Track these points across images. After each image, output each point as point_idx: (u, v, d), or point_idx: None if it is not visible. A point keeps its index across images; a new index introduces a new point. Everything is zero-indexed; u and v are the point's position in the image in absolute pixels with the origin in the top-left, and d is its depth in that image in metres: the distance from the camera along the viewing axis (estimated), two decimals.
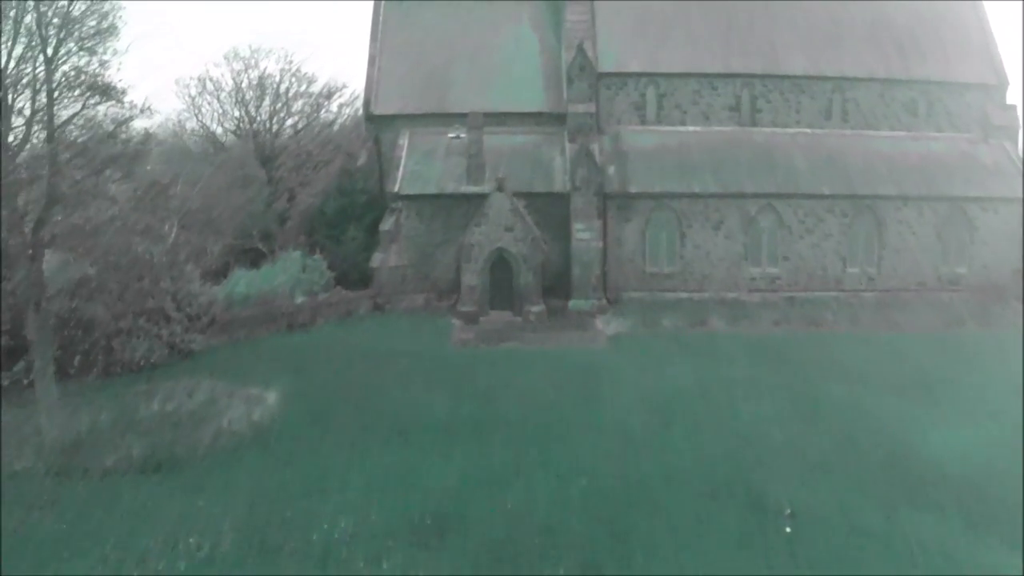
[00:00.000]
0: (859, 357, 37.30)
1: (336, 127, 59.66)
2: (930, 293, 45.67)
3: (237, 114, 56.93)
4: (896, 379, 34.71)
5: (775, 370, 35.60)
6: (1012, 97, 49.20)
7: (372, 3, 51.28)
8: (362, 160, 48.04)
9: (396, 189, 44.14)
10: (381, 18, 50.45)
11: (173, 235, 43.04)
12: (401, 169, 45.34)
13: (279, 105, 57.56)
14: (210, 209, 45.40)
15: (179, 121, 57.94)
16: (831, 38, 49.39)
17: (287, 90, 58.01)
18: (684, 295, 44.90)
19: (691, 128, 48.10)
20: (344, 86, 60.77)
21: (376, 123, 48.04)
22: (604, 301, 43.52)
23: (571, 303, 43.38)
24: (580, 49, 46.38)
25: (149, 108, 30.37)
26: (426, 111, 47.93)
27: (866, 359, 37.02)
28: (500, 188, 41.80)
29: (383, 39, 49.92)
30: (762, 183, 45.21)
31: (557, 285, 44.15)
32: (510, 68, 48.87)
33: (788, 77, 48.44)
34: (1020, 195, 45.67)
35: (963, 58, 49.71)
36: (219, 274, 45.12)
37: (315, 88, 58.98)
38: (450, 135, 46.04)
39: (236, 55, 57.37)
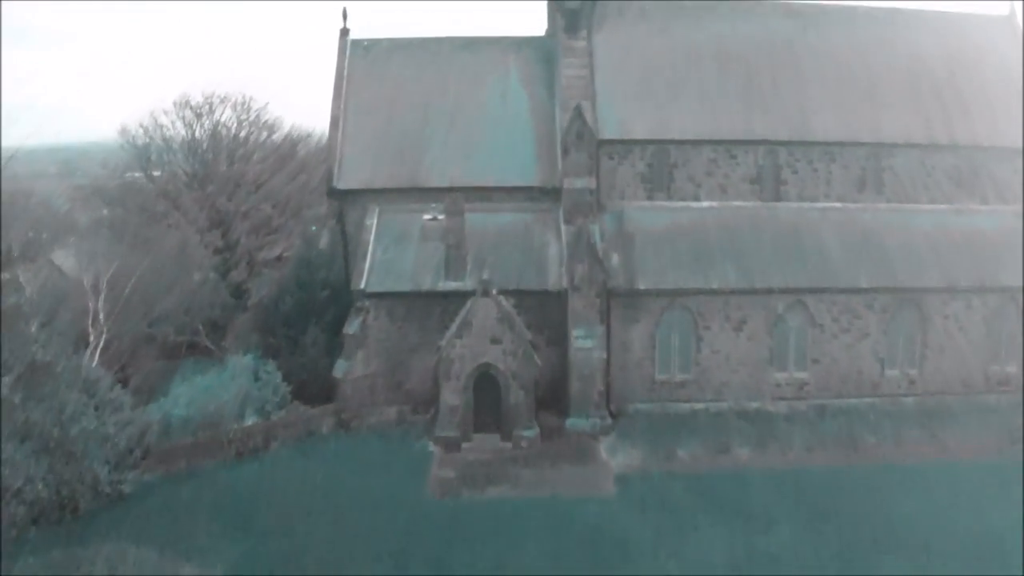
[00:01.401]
0: (913, 506, 33.04)
1: (299, 180, 54.20)
2: (977, 396, 41.57)
3: (189, 169, 51.40)
4: (964, 546, 30.27)
5: (818, 533, 31.37)
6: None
7: (336, 49, 45.34)
8: (324, 242, 42.75)
9: (363, 285, 39.13)
10: (346, 70, 44.86)
11: (101, 343, 37.87)
12: (369, 258, 40.27)
13: (237, 155, 52.01)
14: (150, 303, 39.91)
15: (123, 176, 52.55)
16: (866, 97, 45.01)
17: (245, 138, 52.43)
18: (699, 406, 40.46)
19: (706, 204, 43.73)
20: (309, 135, 55.30)
21: (340, 198, 42.90)
22: (607, 419, 38.40)
23: (569, 422, 38.68)
24: (578, 113, 41.57)
25: None
26: (398, 184, 43.55)
27: (922, 510, 32.71)
28: (485, 292, 36.36)
29: (348, 95, 44.94)
30: (791, 274, 40.57)
31: (552, 396, 39.89)
32: (495, 131, 44.27)
33: (818, 143, 43.99)
34: None
35: (1011, 119, 45.21)
36: (165, 373, 40.02)
37: (277, 137, 53.49)
38: (426, 216, 41.34)
39: (186, 103, 51.89)
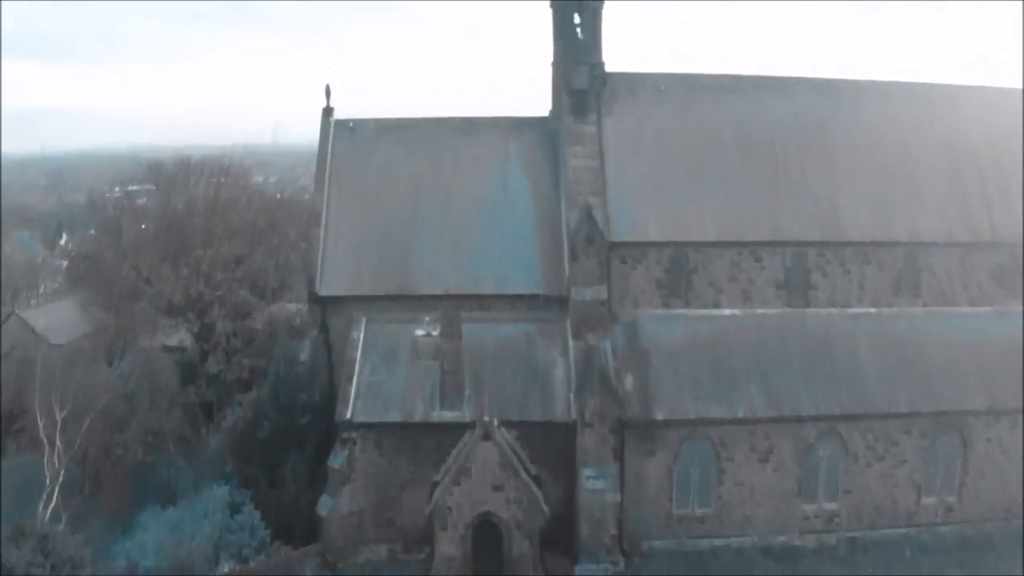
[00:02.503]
0: None
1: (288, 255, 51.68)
2: (1017, 522, 39.22)
3: (163, 243, 48.76)
4: None
5: None
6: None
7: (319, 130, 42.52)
8: (304, 355, 39.67)
9: (349, 415, 36.69)
10: (329, 157, 41.80)
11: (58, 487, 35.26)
12: (355, 381, 37.71)
13: (213, 224, 49.24)
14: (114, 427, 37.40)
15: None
16: (904, 188, 42.70)
17: (224, 206, 49.67)
18: (721, 542, 38.64)
19: (728, 312, 41.35)
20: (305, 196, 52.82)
21: (322, 305, 39.82)
22: (620, 563, 36.08)
23: (578, 568, 36.50)
24: (587, 214, 39.27)
25: None
26: (387, 291, 41.30)
27: None
28: (486, 436, 33.66)
29: (331, 185, 41.89)
30: (823, 398, 38.72)
31: (558, 534, 37.39)
32: (495, 229, 42.08)
33: (851, 243, 41.66)
34: None
35: None
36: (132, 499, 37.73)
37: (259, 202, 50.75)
38: (418, 332, 38.86)
39: (160, 171, 49.07)
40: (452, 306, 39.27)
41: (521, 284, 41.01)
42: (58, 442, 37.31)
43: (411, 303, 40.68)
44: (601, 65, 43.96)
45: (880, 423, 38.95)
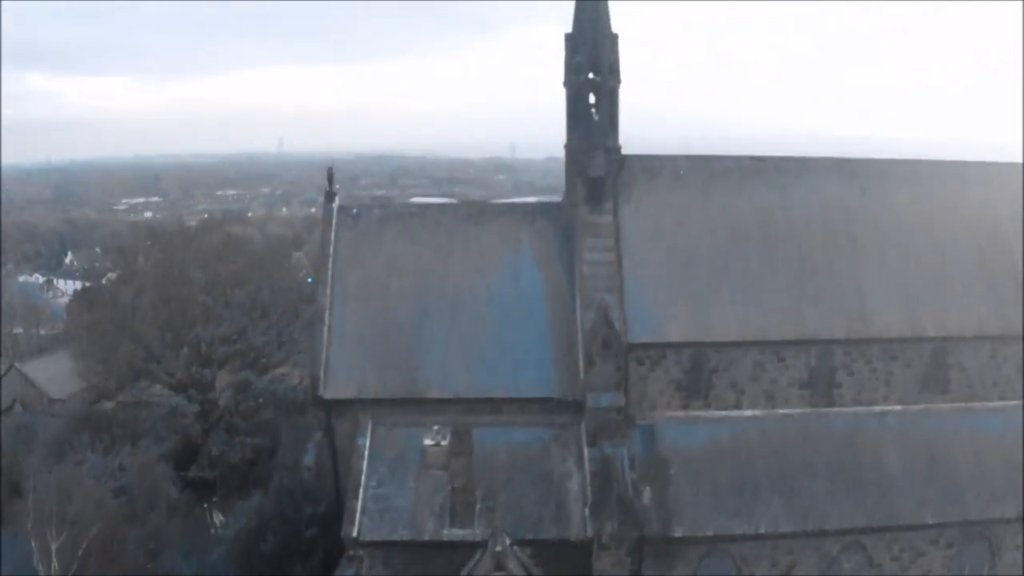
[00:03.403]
0: None
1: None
2: None
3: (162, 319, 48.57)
4: None
5: None
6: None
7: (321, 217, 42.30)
8: (309, 459, 39.37)
9: (355, 533, 36.51)
10: (332, 248, 41.33)
11: None
12: (361, 494, 37.93)
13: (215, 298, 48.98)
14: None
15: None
16: (933, 280, 42.51)
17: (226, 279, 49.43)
18: None
19: (749, 413, 41.24)
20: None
21: (327, 407, 39.50)
22: None
23: None
24: (603, 316, 38.74)
25: None
26: (393, 394, 40.92)
27: None
28: (499, 566, 33.44)
29: (335, 280, 41.70)
30: (847, 510, 38.98)
31: None
32: (506, 327, 41.97)
33: (878, 340, 41.45)
34: None
35: None
36: None
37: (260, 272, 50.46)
38: (426, 441, 38.76)
39: (154, 236, 48.84)
40: (462, 410, 39.16)
41: (534, 387, 40.81)
42: (55, 563, 37.00)
43: (419, 406, 40.58)
44: (618, 149, 44.05)
45: (907, 534, 38.75)
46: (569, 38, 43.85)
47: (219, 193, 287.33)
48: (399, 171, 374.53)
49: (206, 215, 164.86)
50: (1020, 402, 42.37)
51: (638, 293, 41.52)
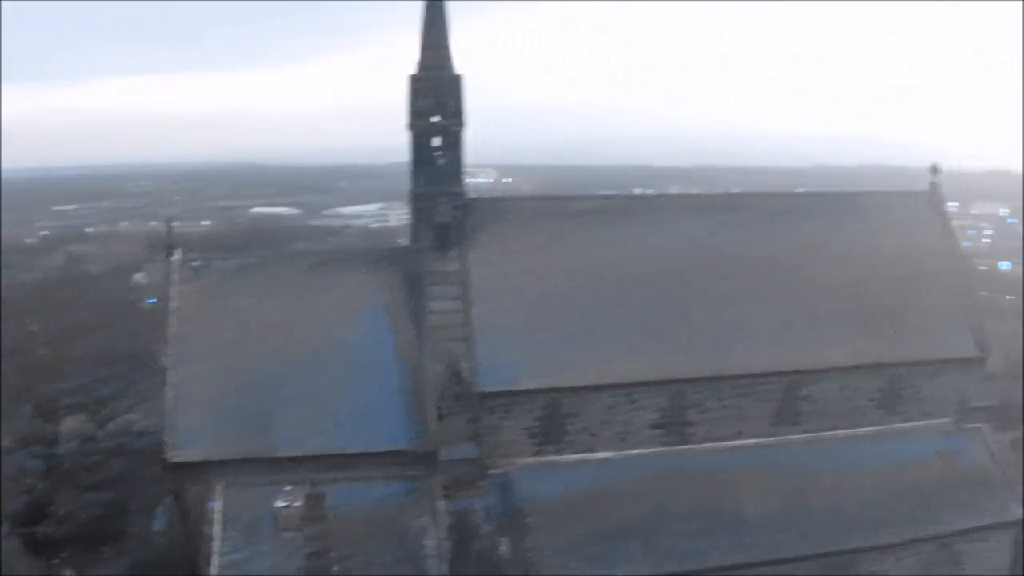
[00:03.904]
0: None
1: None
2: None
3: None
4: None
5: None
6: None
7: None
8: (160, 525, 44.35)
9: None
10: (178, 302, 46.16)
11: None
12: (215, 562, 41.88)
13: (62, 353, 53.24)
14: None
15: None
16: (786, 321, 48.44)
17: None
18: None
19: (603, 455, 46.50)
20: None
21: (176, 472, 44.12)
22: None
23: None
24: (453, 370, 43.75)
25: None
26: (245, 454, 44.26)
27: None
28: None
29: (180, 338, 45.90)
30: (707, 548, 44.03)
31: None
32: (356, 381, 45.84)
33: (730, 378, 47.14)
34: (1014, 515, 47.12)
35: (939, 330, 50.06)
36: None
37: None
38: (278, 503, 42.60)
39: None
40: (317, 467, 43.87)
41: (387, 440, 44.68)
42: None
43: (273, 466, 44.04)
44: (463, 193, 48.45)
45: (767, 569, 44.30)
46: (414, 80, 47.84)
47: (57, 208, 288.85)
48: (243, 182, 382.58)
49: (46, 232, 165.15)
50: (871, 429, 50.00)
51: (488, 341, 45.61)
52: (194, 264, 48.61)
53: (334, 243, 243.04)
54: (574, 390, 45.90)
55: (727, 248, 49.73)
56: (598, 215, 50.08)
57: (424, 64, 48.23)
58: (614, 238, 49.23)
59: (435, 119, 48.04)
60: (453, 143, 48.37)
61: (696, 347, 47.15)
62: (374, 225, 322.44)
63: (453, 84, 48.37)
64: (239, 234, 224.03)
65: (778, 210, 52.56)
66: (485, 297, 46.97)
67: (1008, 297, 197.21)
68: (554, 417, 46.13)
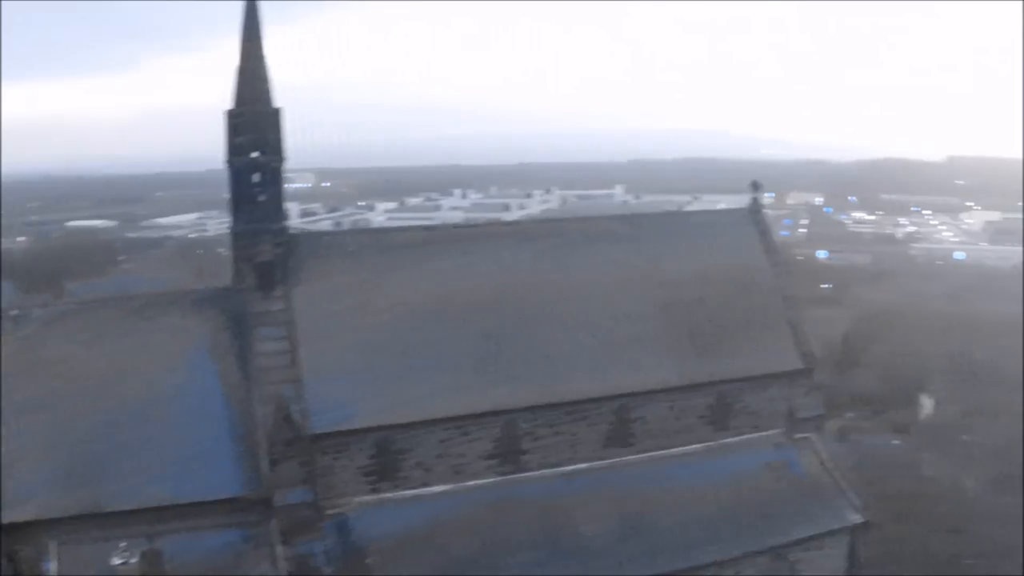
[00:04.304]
0: None
1: None
2: None
3: None
4: None
5: None
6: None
7: None
8: None
9: None
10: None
11: None
12: None
13: None
14: None
15: None
16: (617, 347, 53.51)
17: None
18: None
19: (439, 489, 50.95)
20: None
21: (9, 534, 46.45)
22: None
23: None
24: (283, 413, 47.40)
25: None
26: (79, 510, 46.70)
27: None
28: None
29: (6, 391, 48.21)
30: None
31: None
32: (187, 428, 48.65)
33: (562, 404, 52.13)
34: (847, 522, 53.29)
35: (765, 345, 55.98)
36: None
37: None
38: (115, 561, 45.23)
39: None
40: (152, 519, 47.05)
41: (220, 488, 47.69)
42: None
43: (107, 521, 46.30)
44: (286, 229, 51.98)
45: None
46: (231, 115, 50.77)
47: None
48: (55, 195, 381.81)
49: None
50: (702, 446, 57.01)
51: (317, 381, 48.98)
52: (12, 314, 50.77)
53: (154, 256, 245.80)
54: (406, 426, 49.83)
55: (551, 274, 54.44)
56: (421, 247, 54.11)
57: (241, 98, 51.13)
58: (438, 269, 53.38)
59: (254, 155, 51.44)
60: (273, 179, 51.62)
61: (525, 376, 51.67)
62: (193, 235, 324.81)
63: (272, 118, 51.75)
64: (56, 251, 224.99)
65: (601, 234, 57.50)
66: (312, 336, 50.36)
67: (823, 285, 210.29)
68: (388, 454, 49.81)
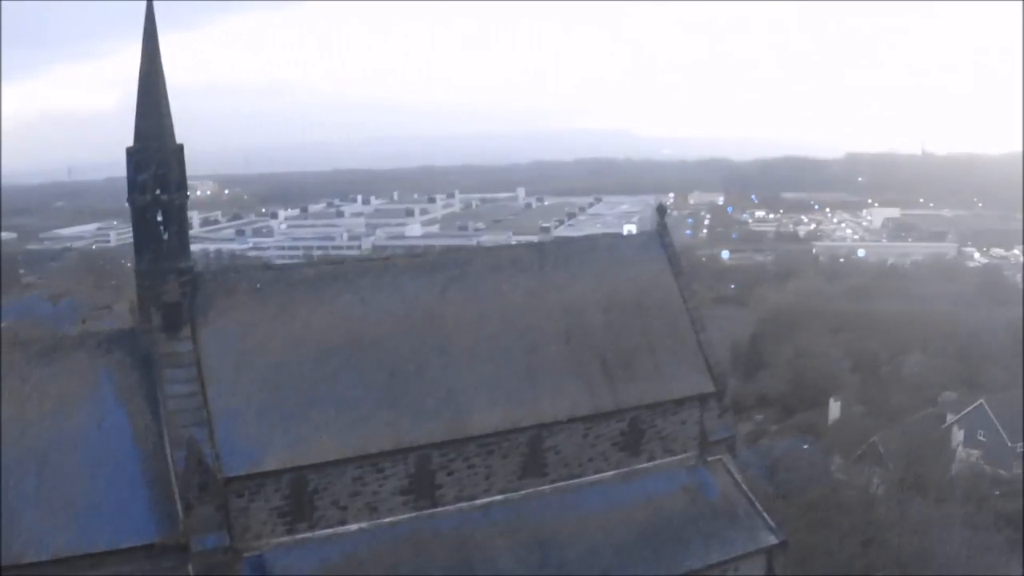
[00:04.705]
0: None
1: None
2: None
3: None
4: None
5: None
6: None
7: None
8: None
9: None
10: None
11: None
12: None
13: None
14: None
15: None
16: (526, 378, 53.98)
17: None
18: None
19: (355, 527, 51.01)
20: None
21: None
22: None
23: None
24: (195, 458, 46.92)
25: None
26: None
27: None
28: None
29: None
30: None
31: None
32: (96, 476, 48.10)
33: (474, 438, 52.41)
34: (762, 543, 54.33)
35: (676, 369, 56.91)
36: None
37: None
38: None
39: None
40: (64, 570, 47.71)
41: (134, 535, 47.24)
42: None
43: (18, 573, 45.88)
44: (191, 268, 51.52)
45: None
46: (132, 153, 50.58)
47: None
48: None
49: None
50: (616, 472, 57.63)
51: (228, 422, 48.82)
52: None
53: (57, 268, 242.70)
54: (319, 466, 49.96)
55: (457, 305, 55.01)
56: (328, 281, 54.12)
57: (141, 135, 51.04)
58: (344, 303, 53.75)
59: (156, 193, 51.30)
60: (177, 216, 51.52)
61: (437, 411, 52.15)
62: (95, 247, 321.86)
63: (174, 155, 51.71)
64: None
65: (507, 263, 58.16)
66: (220, 376, 50.27)
67: (731, 286, 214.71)
68: (302, 494, 49.83)
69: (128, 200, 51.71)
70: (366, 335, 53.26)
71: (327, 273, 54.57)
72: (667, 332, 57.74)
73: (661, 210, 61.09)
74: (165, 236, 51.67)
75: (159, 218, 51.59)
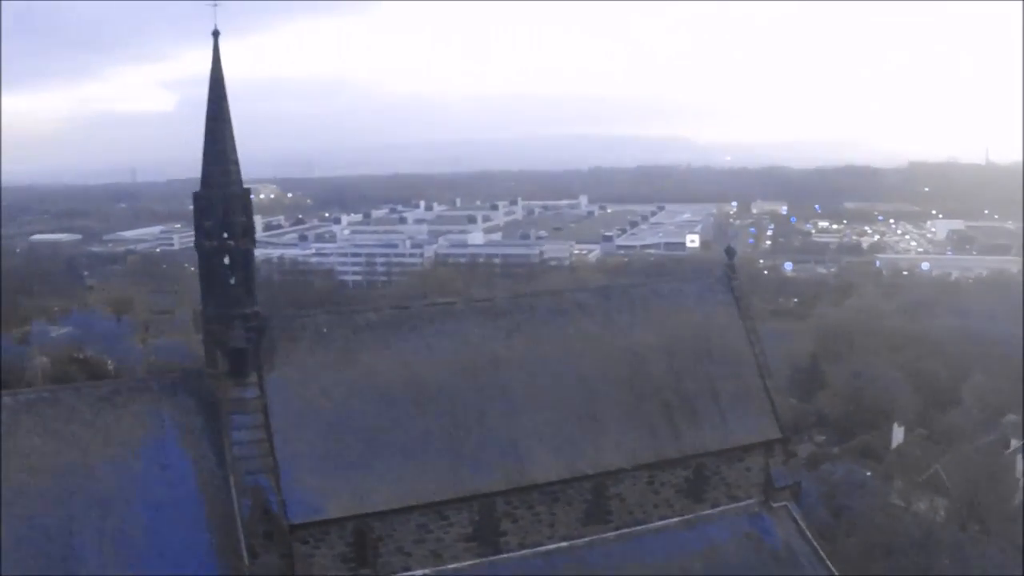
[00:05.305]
0: None
1: None
2: None
3: None
4: None
5: None
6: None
7: None
8: None
9: None
10: None
11: None
12: None
13: None
14: None
15: None
16: (586, 419, 54.18)
17: None
18: None
19: (419, 572, 51.35)
20: None
21: None
22: None
23: None
24: (261, 506, 47.75)
25: None
26: None
27: None
28: None
29: None
30: None
31: None
32: (160, 522, 48.84)
33: (537, 486, 52.67)
34: None
35: (741, 415, 57.01)
36: None
37: None
38: None
39: None
40: None
41: None
42: None
43: None
44: (257, 313, 52.33)
45: None
46: (198, 198, 51.09)
47: None
48: (15, 207, 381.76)
49: None
50: (679, 519, 57.63)
51: (294, 471, 49.26)
52: None
53: (119, 272, 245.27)
54: (382, 514, 50.46)
55: (520, 351, 55.33)
56: (390, 326, 54.72)
57: (208, 181, 51.61)
58: (407, 348, 54.11)
59: (224, 237, 51.60)
60: (244, 262, 51.98)
61: (499, 459, 52.57)
62: (159, 250, 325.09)
63: (240, 200, 52.24)
64: (20, 269, 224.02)
65: (570, 307, 58.65)
66: (286, 423, 50.83)
67: (794, 300, 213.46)
68: (366, 541, 50.27)
69: (195, 245, 52.14)
70: (429, 381, 53.56)
71: (392, 318, 55.02)
72: (732, 377, 57.41)
73: (730, 252, 60.83)
74: (232, 281, 51.94)
75: (226, 262, 51.80)
